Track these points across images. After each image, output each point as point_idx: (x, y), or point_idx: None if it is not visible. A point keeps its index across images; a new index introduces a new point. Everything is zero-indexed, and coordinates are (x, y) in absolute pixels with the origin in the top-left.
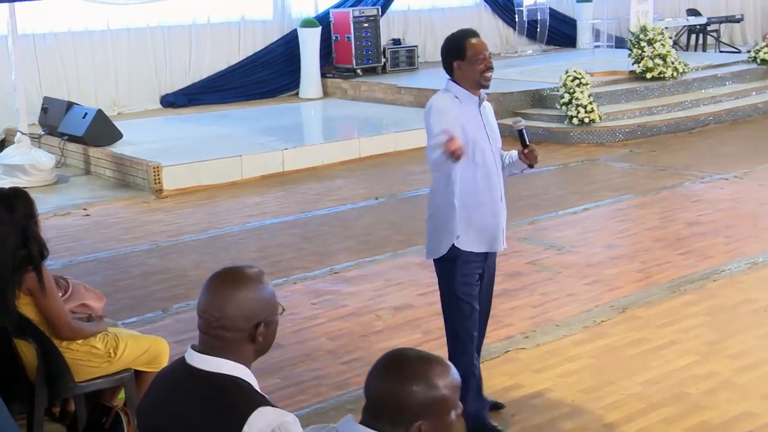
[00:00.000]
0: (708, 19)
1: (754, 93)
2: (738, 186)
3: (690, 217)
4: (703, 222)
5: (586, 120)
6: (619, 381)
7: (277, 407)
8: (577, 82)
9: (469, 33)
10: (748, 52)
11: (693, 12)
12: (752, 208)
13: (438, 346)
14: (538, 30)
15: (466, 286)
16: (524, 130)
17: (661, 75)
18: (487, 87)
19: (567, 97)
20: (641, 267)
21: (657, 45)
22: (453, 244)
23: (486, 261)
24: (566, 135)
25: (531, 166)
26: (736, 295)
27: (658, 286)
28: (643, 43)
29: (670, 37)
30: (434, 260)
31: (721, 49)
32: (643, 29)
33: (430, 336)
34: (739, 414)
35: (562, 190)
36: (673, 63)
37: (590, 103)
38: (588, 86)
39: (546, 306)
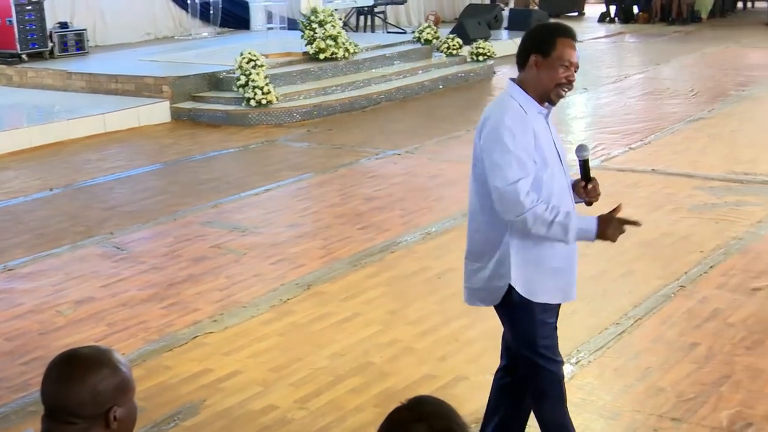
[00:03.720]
0: (375, 0)
1: (420, 71)
2: (410, 161)
3: (367, 192)
4: (380, 197)
5: (264, 101)
6: (307, 356)
7: None
8: (252, 64)
9: (566, 30)
10: (413, 32)
11: None
12: (423, 181)
13: (125, 338)
14: (212, 12)
15: (546, 343)
16: (589, 161)
17: (333, 56)
18: (554, 104)
19: (243, 79)
20: (323, 244)
21: (328, 26)
22: (519, 294)
23: (557, 314)
24: (245, 117)
25: (589, 203)
26: (413, 264)
27: (340, 261)
28: (314, 25)
29: (340, 19)
30: (496, 308)
31: (389, 30)
32: (314, 11)
33: (115, 328)
34: (420, 377)
35: (244, 172)
36: (344, 44)
37: (267, 84)
38: (264, 68)
39: (233, 288)
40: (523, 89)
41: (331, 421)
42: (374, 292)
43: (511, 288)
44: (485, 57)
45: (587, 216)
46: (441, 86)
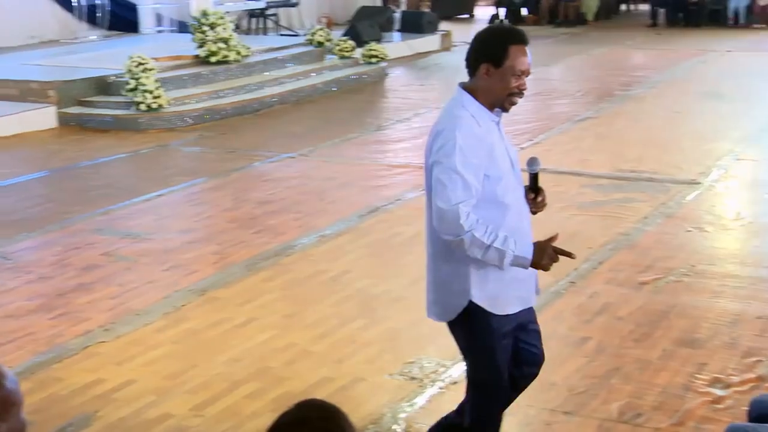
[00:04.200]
0: (267, 3)
1: (313, 74)
2: (304, 163)
3: (261, 196)
4: (274, 200)
5: (154, 106)
6: (203, 363)
7: None
8: (142, 67)
9: (517, 35)
10: (306, 35)
11: None
12: (318, 183)
13: (12, 350)
14: (99, 15)
15: (504, 356)
16: (539, 174)
17: (225, 59)
18: (506, 111)
19: (133, 83)
20: (218, 249)
21: (219, 29)
22: (481, 308)
23: (518, 320)
24: (135, 122)
25: (534, 212)
26: (308, 267)
27: (236, 266)
28: (205, 27)
29: (232, 21)
30: (450, 324)
31: (281, 33)
32: (204, 13)
33: (1, 340)
34: (318, 380)
35: (135, 177)
36: (235, 47)
37: (157, 88)
38: (153, 71)
39: (125, 296)
40: (474, 97)
41: (228, 427)
42: (270, 297)
43: (470, 302)
44: (378, 59)
45: (525, 243)
46: (334, 88)
